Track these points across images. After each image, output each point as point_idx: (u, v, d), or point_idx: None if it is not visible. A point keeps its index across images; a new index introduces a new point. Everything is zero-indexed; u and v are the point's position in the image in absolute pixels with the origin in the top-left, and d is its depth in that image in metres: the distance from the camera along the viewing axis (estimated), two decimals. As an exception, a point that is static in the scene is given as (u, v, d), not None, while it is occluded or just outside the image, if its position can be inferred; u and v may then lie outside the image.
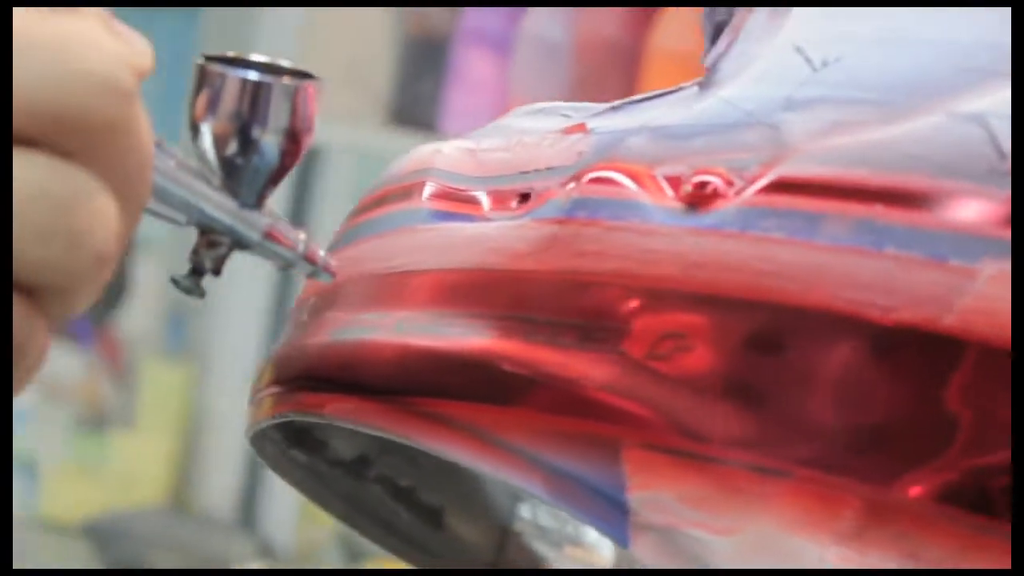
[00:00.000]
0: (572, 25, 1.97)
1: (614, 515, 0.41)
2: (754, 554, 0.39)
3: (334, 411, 0.50)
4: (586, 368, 0.43)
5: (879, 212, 0.40)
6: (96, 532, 2.08)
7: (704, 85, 0.47)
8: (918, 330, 0.38)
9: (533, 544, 0.73)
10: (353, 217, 0.56)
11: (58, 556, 2.11)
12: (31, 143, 0.36)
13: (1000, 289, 0.38)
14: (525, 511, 0.73)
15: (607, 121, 0.48)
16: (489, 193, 0.50)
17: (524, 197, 0.49)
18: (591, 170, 0.46)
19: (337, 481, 0.69)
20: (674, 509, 0.40)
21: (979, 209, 0.39)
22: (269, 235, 0.45)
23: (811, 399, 0.39)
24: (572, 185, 0.47)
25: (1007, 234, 0.39)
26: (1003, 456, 0.38)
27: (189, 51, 2.10)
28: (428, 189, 0.53)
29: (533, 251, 0.46)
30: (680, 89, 0.48)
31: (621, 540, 0.41)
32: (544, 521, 0.74)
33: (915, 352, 0.39)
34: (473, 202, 0.51)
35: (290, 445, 0.65)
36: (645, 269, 0.43)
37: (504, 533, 0.73)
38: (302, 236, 0.46)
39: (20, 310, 0.36)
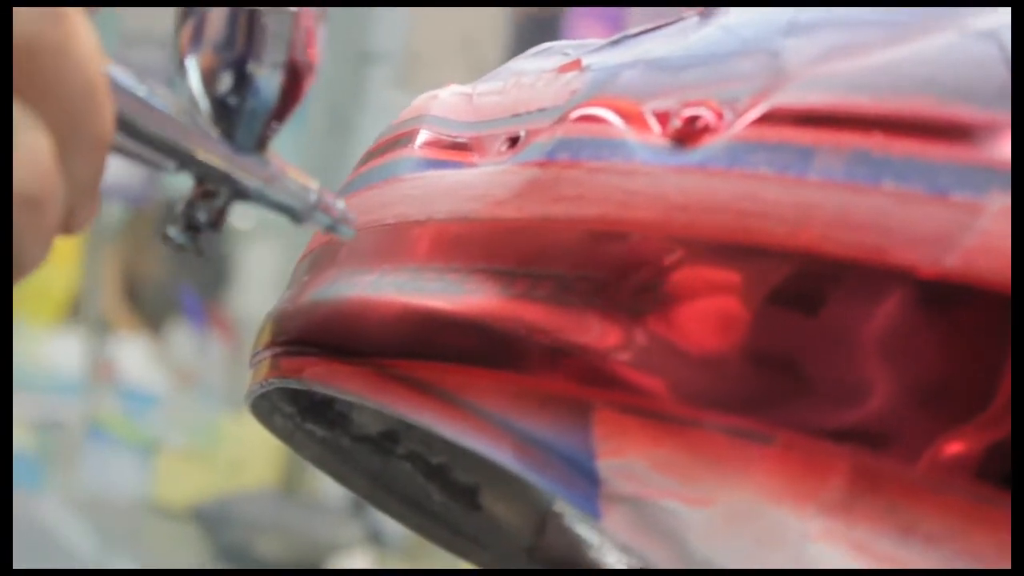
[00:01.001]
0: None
1: (584, 485, 0.37)
2: (730, 527, 0.35)
3: (311, 375, 0.48)
4: (559, 322, 0.39)
5: (877, 143, 0.35)
6: (205, 516, 2.08)
7: (705, 13, 0.43)
8: (914, 274, 0.33)
9: (574, 526, 0.70)
10: (355, 169, 0.54)
11: (168, 540, 2.12)
12: None
13: (1007, 225, 0.33)
14: None
15: (603, 57, 0.45)
16: (480, 138, 0.48)
17: (513, 141, 0.46)
18: (578, 108, 0.43)
19: (362, 457, 0.66)
20: (646, 478, 0.36)
21: (987, 136, 0.34)
22: (272, 183, 0.41)
23: (798, 355, 0.35)
24: (559, 126, 0.43)
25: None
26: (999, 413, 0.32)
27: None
28: (420, 137, 0.51)
29: (512, 197, 0.43)
30: (681, 19, 0.44)
31: (592, 512, 0.37)
32: None
33: (912, 299, 0.33)
34: (463, 148, 0.48)
35: (305, 418, 0.63)
36: (624, 213, 0.39)
37: (543, 514, 0.70)
38: (313, 185, 0.42)
39: None
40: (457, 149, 0.48)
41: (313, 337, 0.48)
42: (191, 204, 0.42)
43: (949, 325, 0.33)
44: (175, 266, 2.50)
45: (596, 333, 0.38)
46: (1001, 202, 0.33)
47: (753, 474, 0.34)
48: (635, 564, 0.60)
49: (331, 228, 0.43)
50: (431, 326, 0.43)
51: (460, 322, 0.42)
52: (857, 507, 0.33)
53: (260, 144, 0.41)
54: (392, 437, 0.67)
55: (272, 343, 0.51)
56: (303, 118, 2.08)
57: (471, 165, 0.47)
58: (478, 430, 0.40)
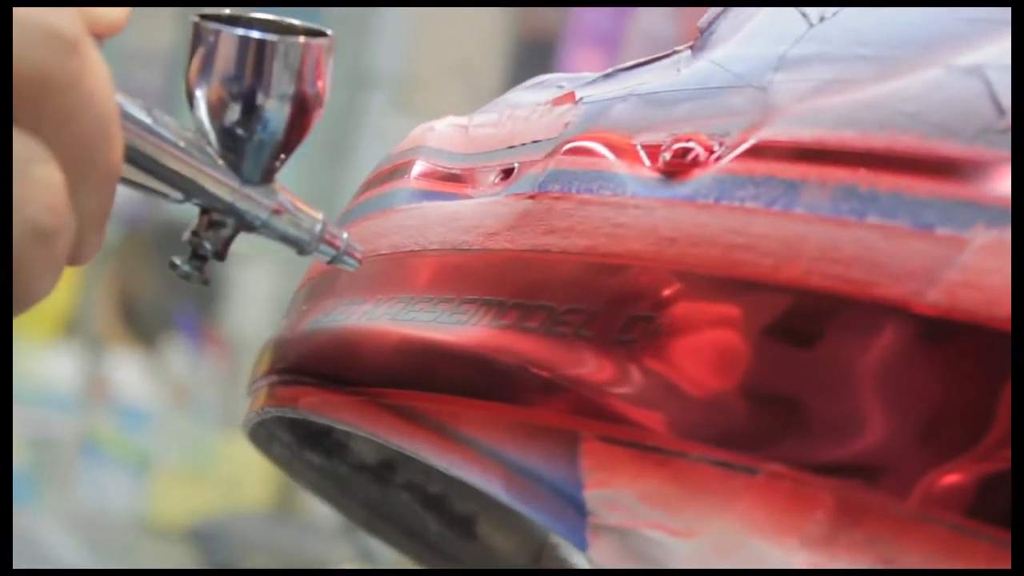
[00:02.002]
0: (683, 23, 1.94)
1: (572, 515, 0.38)
2: (715, 559, 0.35)
3: (306, 405, 0.48)
4: (548, 354, 0.39)
5: (863, 178, 0.36)
6: (198, 535, 2.08)
7: (697, 48, 0.44)
8: (899, 308, 0.34)
9: (570, 557, 0.70)
10: (354, 199, 0.54)
11: (161, 559, 2.11)
12: None
13: (992, 260, 0.33)
14: None
15: (596, 90, 0.46)
16: (475, 170, 0.49)
17: (507, 173, 0.46)
18: (570, 141, 0.44)
19: (360, 486, 0.66)
20: (633, 508, 0.37)
21: (972, 171, 0.34)
22: (278, 215, 0.42)
23: (786, 389, 0.35)
24: (551, 158, 0.44)
25: (1003, 199, 0.34)
26: (989, 449, 0.33)
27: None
28: (416, 168, 0.51)
29: (504, 229, 0.44)
30: (674, 53, 0.44)
31: (579, 543, 0.38)
32: None
33: (897, 333, 0.34)
34: (458, 180, 0.49)
35: (303, 446, 0.63)
36: (614, 245, 0.39)
37: (539, 544, 0.70)
38: (319, 217, 0.43)
39: None
40: (452, 180, 0.49)
41: (309, 366, 0.48)
42: (197, 234, 0.42)
43: (938, 360, 0.33)
44: (170, 285, 2.50)
45: (585, 366, 0.39)
46: (985, 237, 0.33)
47: (738, 506, 0.35)
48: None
49: (336, 260, 0.43)
50: (423, 357, 0.43)
51: (451, 353, 0.42)
52: (840, 540, 0.34)
53: (267, 175, 0.41)
54: (390, 467, 0.67)
55: (269, 371, 0.51)
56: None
57: (465, 196, 0.47)
58: (469, 460, 0.40)
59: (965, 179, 0.34)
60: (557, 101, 0.47)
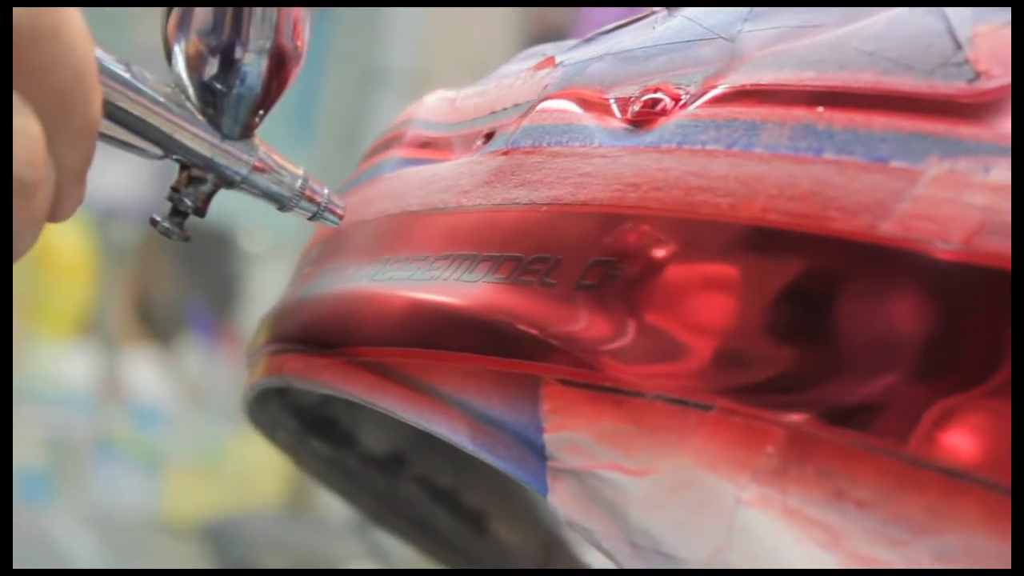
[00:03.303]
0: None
1: (533, 461, 0.38)
2: (668, 496, 0.35)
3: (290, 371, 0.48)
4: (513, 302, 0.40)
5: (821, 116, 0.36)
6: (213, 534, 2.08)
7: (673, 7, 0.44)
8: (853, 240, 0.33)
9: (582, 554, 0.71)
10: (350, 175, 0.55)
11: (174, 557, 2.12)
12: None
13: (945, 191, 0.33)
14: None
15: (576, 53, 0.47)
16: (460, 136, 0.49)
17: (488, 136, 0.47)
18: (544, 100, 0.44)
19: (368, 478, 0.67)
20: (590, 450, 0.37)
21: (927, 105, 0.34)
22: (258, 171, 0.42)
23: (740, 323, 0.35)
24: (524, 117, 0.45)
25: (958, 131, 0.33)
26: (949, 384, 0.32)
27: (321, 50, 2.12)
28: (403, 139, 0.52)
29: (478, 186, 0.44)
30: (651, 14, 0.45)
31: (540, 488, 0.38)
32: None
33: (851, 265, 0.34)
34: (441, 146, 0.50)
35: (308, 434, 0.64)
36: (578, 194, 0.40)
37: (551, 541, 0.70)
38: (299, 172, 0.43)
39: None
40: (435, 148, 0.49)
41: (296, 334, 0.49)
42: (177, 190, 0.42)
43: (889, 291, 0.33)
44: (186, 285, 2.51)
45: (547, 311, 0.39)
46: (937, 168, 0.33)
47: (692, 442, 0.35)
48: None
49: (316, 216, 0.44)
50: (392, 313, 0.44)
51: (418, 307, 0.43)
52: (791, 473, 0.33)
53: (246, 131, 0.41)
54: (399, 459, 0.67)
55: (262, 343, 0.52)
56: (311, 136, 2.09)
57: (447, 161, 0.48)
58: (437, 412, 0.41)
59: (921, 113, 0.34)
60: (538, 66, 0.47)
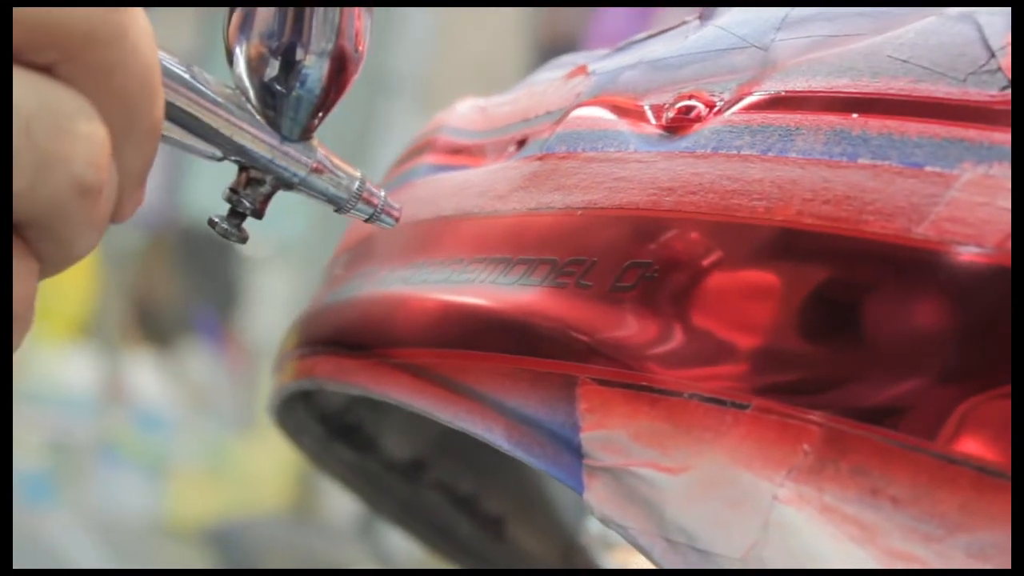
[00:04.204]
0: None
1: (569, 459, 0.39)
2: (704, 493, 0.35)
3: (321, 373, 0.49)
4: (549, 305, 0.40)
5: (856, 122, 0.36)
6: (216, 539, 2.08)
7: (705, 17, 0.45)
8: (888, 243, 0.34)
9: (600, 559, 0.71)
10: (379, 182, 0.56)
11: (177, 561, 2.12)
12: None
13: (979, 195, 0.34)
14: (594, 524, 0.71)
15: (608, 62, 0.47)
16: (492, 143, 0.50)
17: (520, 143, 0.47)
18: (579, 107, 0.45)
19: (390, 484, 0.67)
20: (627, 448, 0.37)
21: (960, 112, 0.35)
22: (316, 172, 0.42)
23: (775, 324, 0.36)
24: (558, 123, 0.46)
25: (991, 136, 0.34)
26: (981, 382, 0.33)
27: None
28: (435, 145, 0.52)
29: (512, 191, 0.45)
30: (683, 24, 0.45)
31: (576, 485, 0.38)
32: (614, 537, 0.71)
33: (885, 267, 0.34)
34: (473, 153, 0.50)
35: (333, 439, 0.64)
36: (614, 198, 0.40)
37: (570, 547, 0.71)
38: (357, 174, 0.43)
39: None
40: (467, 154, 0.50)
41: (327, 337, 0.49)
42: (236, 191, 0.42)
43: (922, 291, 0.34)
44: (190, 289, 2.51)
45: (583, 313, 0.39)
46: (972, 173, 0.34)
47: (728, 440, 0.35)
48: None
49: (373, 218, 0.43)
50: (429, 315, 0.44)
51: (456, 309, 0.43)
52: (826, 470, 0.34)
53: (305, 133, 0.41)
54: (420, 466, 0.68)
55: (292, 348, 0.52)
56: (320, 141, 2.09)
57: (479, 167, 0.48)
58: (472, 412, 0.41)
59: (955, 119, 0.35)
60: (570, 75, 0.48)
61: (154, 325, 2.50)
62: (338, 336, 0.49)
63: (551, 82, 0.49)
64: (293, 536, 2.10)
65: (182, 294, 2.52)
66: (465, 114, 0.53)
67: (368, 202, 0.43)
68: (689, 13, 0.47)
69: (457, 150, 0.51)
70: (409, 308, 0.45)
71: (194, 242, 2.47)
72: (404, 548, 2.11)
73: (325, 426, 0.64)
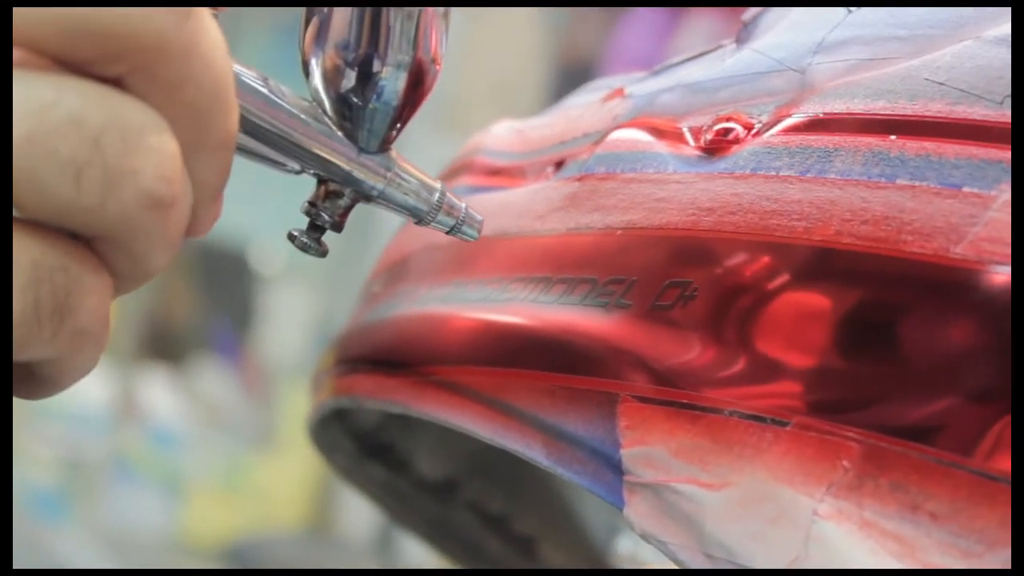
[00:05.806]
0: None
1: (609, 475, 0.39)
2: (744, 509, 0.36)
3: (361, 391, 0.49)
4: (589, 323, 0.41)
5: (894, 144, 0.37)
6: (231, 556, 2.08)
7: (741, 40, 0.45)
8: (927, 263, 0.35)
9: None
10: None
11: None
12: (69, 65, 0.32)
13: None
14: (624, 545, 0.71)
15: (644, 85, 0.48)
16: (530, 165, 0.50)
17: (559, 165, 0.48)
18: (617, 129, 0.45)
19: (421, 503, 0.68)
20: (667, 464, 0.38)
21: (997, 134, 0.36)
22: (395, 184, 0.42)
23: (814, 343, 0.36)
24: (597, 144, 0.46)
25: None
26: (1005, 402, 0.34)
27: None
28: (473, 167, 0.53)
29: (552, 211, 0.45)
30: (719, 47, 0.46)
31: (616, 502, 0.39)
32: (644, 556, 0.72)
33: (924, 286, 0.35)
34: (511, 175, 0.51)
35: (365, 458, 0.64)
36: (653, 218, 0.41)
37: (597, 565, 0.71)
38: (437, 185, 0.43)
39: (56, 258, 0.33)
40: (505, 175, 0.50)
41: (366, 355, 0.50)
42: (315, 204, 0.42)
43: (961, 311, 0.34)
44: (204, 305, 2.52)
45: (623, 332, 0.40)
46: (1009, 193, 0.35)
47: (768, 457, 0.36)
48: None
49: (455, 230, 0.43)
50: (470, 333, 0.45)
51: (496, 327, 0.44)
52: (866, 487, 0.35)
53: (383, 145, 0.41)
54: (452, 485, 0.68)
55: (332, 365, 0.53)
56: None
57: (518, 188, 0.49)
58: (510, 429, 0.42)
59: (992, 141, 0.36)
60: (607, 98, 0.49)
61: (168, 342, 2.50)
62: (377, 354, 0.49)
63: (588, 105, 0.50)
64: (309, 553, 2.10)
65: (197, 311, 2.52)
66: (502, 136, 0.54)
67: (449, 213, 0.43)
68: (708, 36, 0.47)
69: (495, 171, 0.51)
70: (449, 326, 0.46)
71: (209, 259, 2.47)
72: (421, 565, 2.11)
73: (358, 444, 0.65)
